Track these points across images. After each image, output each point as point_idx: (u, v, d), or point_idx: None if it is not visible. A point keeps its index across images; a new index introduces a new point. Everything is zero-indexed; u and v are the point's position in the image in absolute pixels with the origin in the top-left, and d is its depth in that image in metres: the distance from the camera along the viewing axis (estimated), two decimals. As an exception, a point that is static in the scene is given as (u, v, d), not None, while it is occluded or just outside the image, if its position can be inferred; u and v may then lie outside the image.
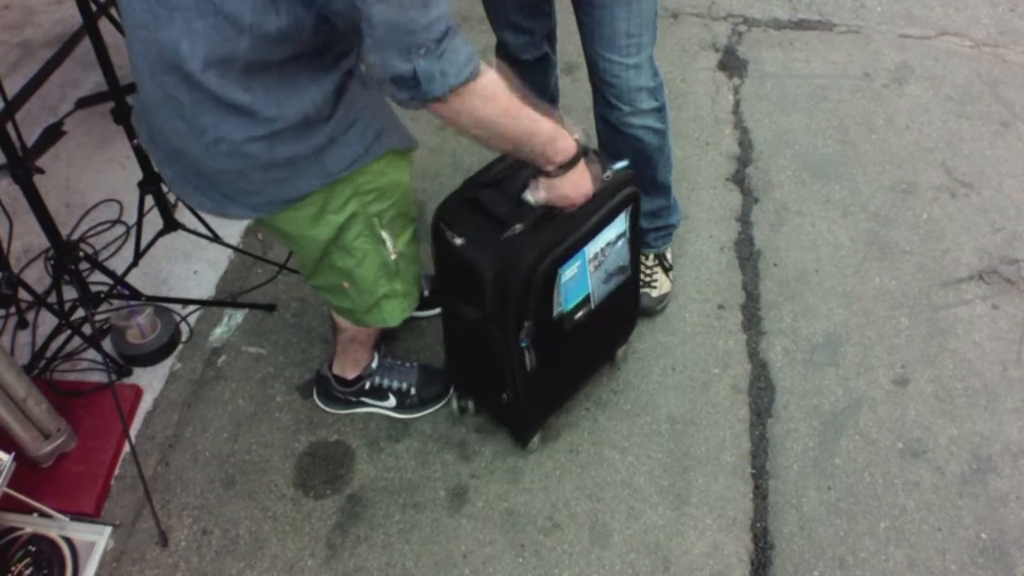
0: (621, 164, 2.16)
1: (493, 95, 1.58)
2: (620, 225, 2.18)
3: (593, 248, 2.12)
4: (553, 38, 2.71)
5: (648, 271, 2.84)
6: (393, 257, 2.01)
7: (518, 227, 2.00)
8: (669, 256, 2.92)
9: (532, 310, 2.08)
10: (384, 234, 1.95)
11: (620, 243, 2.22)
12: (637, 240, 2.34)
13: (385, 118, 1.85)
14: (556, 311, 2.15)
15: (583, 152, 1.89)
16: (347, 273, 1.99)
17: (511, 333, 2.11)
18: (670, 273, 2.90)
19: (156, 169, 1.98)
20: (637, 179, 2.20)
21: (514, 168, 2.07)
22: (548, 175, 1.88)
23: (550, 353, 2.23)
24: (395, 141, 1.87)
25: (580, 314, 2.23)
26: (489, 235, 2.02)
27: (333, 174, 1.77)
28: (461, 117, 1.58)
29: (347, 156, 1.76)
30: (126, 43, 1.68)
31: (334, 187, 1.79)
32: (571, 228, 2.04)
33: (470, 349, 2.40)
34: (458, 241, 2.06)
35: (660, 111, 2.51)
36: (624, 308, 2.53)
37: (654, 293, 2.83)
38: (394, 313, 2.15)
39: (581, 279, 2.16)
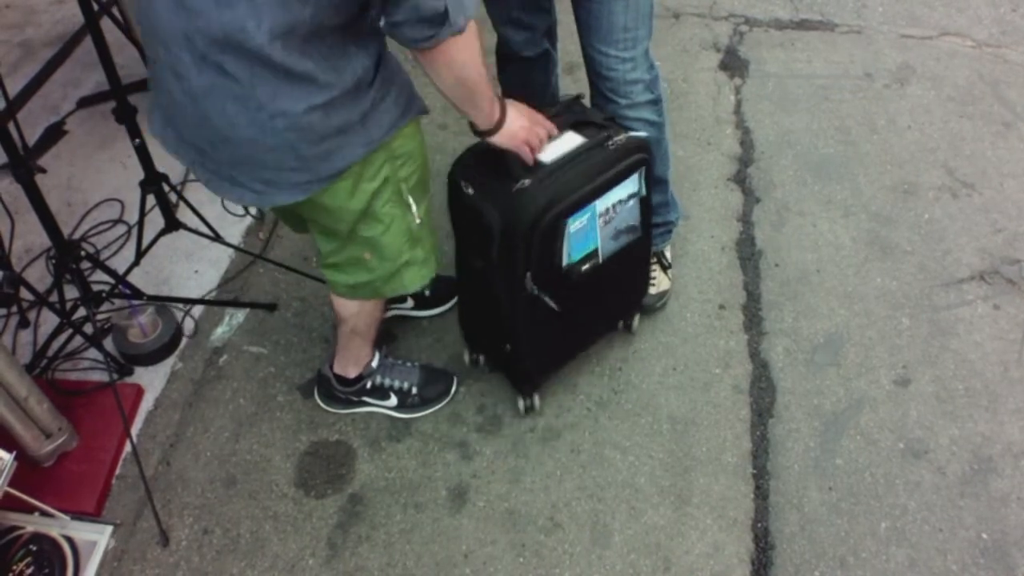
0: (639, 132, 2.29)
1: (475, 36, 1.72)
2: (632, 185, 2.27)
3: (604, 203, 2.23)
4: (554, 35, 2.71)
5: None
6: (417, 222, 2.08)
7: (527, 181, 2.10)
8: (668, 254, 2.92)
9: (536, 260, 2.18)
10: (410, 199, 2.03)
11: (632, 202, 2.31)
12: (649, 204, 2.42)
13: (409, 83, 1.95)
14: (565, 262, 2.24)
15: (504, 100, 2.04)
16: (372, 243, 2.04)
17: (516, 281, 2.21)
18: (669, 271, 2.90)
19: (186, 167, 2.02)
20: (649, 146, 2.30)
21: None
22: (489, 133, 2.02)
23: (558, 303, 2.31)
24: (420, 106, 1.98)
25: (587, 266, 2.29)
26: (499, 187, 2.13)
27: (376, 140, 1.85)
28: (456, 55, 1.71)
29: (387, 121, 1.85)
30: (146, 45, 1.75)
31: (370, 155, 1.86)
32: (580, 183, 2.16)
33: (478, 299, 2.52)
34: (470, 191, 2.19)
35: (656, 104, 2.52)
36: (633, 274, 2.62)
37: (652, 291, 2.83)
38: (414, 279, 2.19)
39: (590, 232, 2.25)
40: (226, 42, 1.60)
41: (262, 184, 1.85)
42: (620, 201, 2.27)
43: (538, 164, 2.14)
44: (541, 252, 2.17)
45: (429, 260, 2.20)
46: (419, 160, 2.02)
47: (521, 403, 2.59)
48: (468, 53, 1.72)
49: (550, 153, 2.17)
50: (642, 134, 2.29)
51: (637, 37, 2.35)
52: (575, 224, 2.18)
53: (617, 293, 2.59)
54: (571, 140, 2.22)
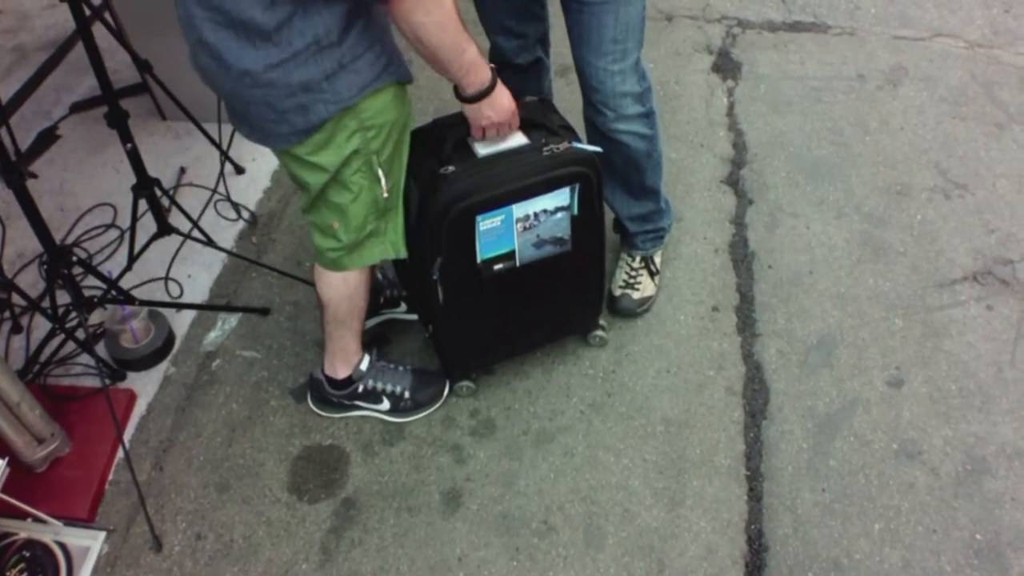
0: (590, 147, 2.27)
1: (439, 2, 1.76)
2: (562, 198, 2.26)
3: (523, 209, 2.22)
4: (546, 42, 2.71)
5: (633, 272, 2.85)
6: (385, 196, 2.11)
7: (451, 168, 2.14)
8: (658, 260, 2.92)
9: (447, 248, 2.21)
10: (380, 172, 2.05)
11: (559, 215, 2.29)
12: (595, 223, 2.39)
13: (393, 51, 1.96)
14: (479, 258, 2.27)
15: (496, 80, 2.04)
16: (340, 210, 2.09)
17: (427, 264, 2.24)
18: (656, 277, 2.90)
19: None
20: (596, 164, 2.27)
21: None
22: (469, 100, 2.04)
23: (469, 295, 2.36)
24: (402, 73, 1.99)
25: (501, 267, 2.31)
26: (427, 169, 2.17)
27: (345, 99, 1.88)
28: (410, 16, 1.75)
29: (357, 82, 1.87)
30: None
31: (341, 119, 1.91)
32: (500, 183, 2.17)
33: (410, 276, 2.54)
34: None
35: (647, 117, 2.51)
36: (573, 288, 2.56)
37: (635, 295, 2.83)
38: (374, 253, 2.22)
39: (505, 234, 2.25)
40: (201, 2, 1.74)
41: (257, 129, 1.97)
42: (545, 211, 2.26)
43: (470, 153, 2.18)
44: (452, 242, 2.20)
45: (394, 238, 2.23)
46: (395, 134, 2.06)
47: (448, 387, 2.65)
48: (424, 15, 1.76)
49: (485, 148, 2.20)
50: (591, 148, 2.27)
51: (627, 49, 2.34)
52: (485, 223, 2.19)
53: (553, 303, 2.57)
54: (513, 139, 2.22)
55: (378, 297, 2.75)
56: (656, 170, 2.67)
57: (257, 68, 1.78)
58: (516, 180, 2.18)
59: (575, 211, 2.30)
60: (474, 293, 2.35)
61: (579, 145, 2.24)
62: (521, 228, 2.26)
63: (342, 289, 2.30)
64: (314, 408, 2.64)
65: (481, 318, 2.46)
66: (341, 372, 2.52)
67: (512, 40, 2.60)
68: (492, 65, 2.02)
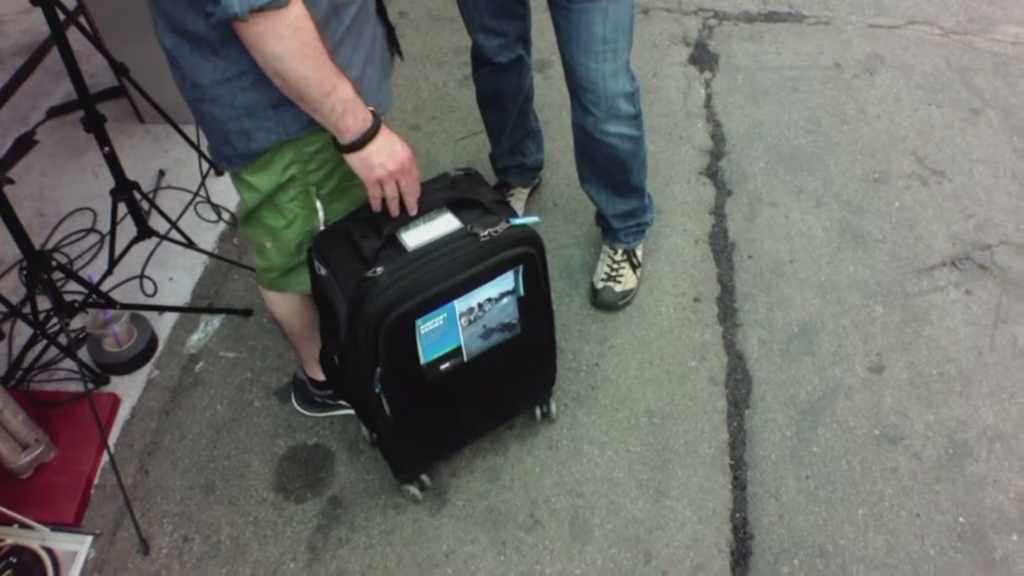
0: (528, 219, 2.06)
1: (297, 30, 1.54)
2: (506, 283, 2.06)
3: (466, 303, 2.01)
4: (527, 40, 2.71)
5: (615, 265, 2.86)
6: (322, 228, 2.00)
7: (379, 269, 1.89)
8: (639, 253, 2.93)
9: (384, 357, 1.96)
10: (318, 204, 1.95)
11: (505, 300, 2.09)
12: (542, 299, 2.22)
13: (357, 88, 1.74)
14: (422, 360, 2.04)
15: (379, 122, 1.78)
16: (273, 233, 1.98)
17: (365, 376, 2.00)
18: (638, 270, 2.91)
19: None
20: (538, 238, 2.08)
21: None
22: (353, 149, 1.76)
23: (417, 402, 2.15)
24: None
25: (447, 365, 2.09)
26: (351, 272, 1.92)
27: (290, 132, 1.77)
28: (263, 45, 1.54)
29: (306, 116, 1.73)
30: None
31: (280, 148, 1.80)
32: (437, 280, 1.93)
33: (348, 387, 2.24)
34: (323, 272, 1.99)
35: (636, 118, 2.52)
36: (529, 364, 2.38)
37: (617, 288, 2.85)
38: (306, 283, 2.12)
39: (448, 332, 2.03)
40: (159, 14, 1.65)
41: (211, 148, 1.88)
42: (490, 299, 2.05)
43: (398, 248, 1.94)
44: (391, 349, 1.96)
45: None
46: (343, 168, 1.88)
47: (405, 490, 2.44)
48: (277, 43, 1.53)
49: (415, 237, 1.95)
50: (529, 220, 2.05)
51: (617, 49, 2.33)
52: (426, 325, 1.96)
53: (506, 388, 2.39)
54: (444, 224, 1.99)
55: None
56: (642, 169, 2.69)
57: (206, 81, 1.69)
58: (455, 274, 1.94)
59: (521, 292, 2.10)
60: (422, 398, 2.14)
61: (517, 221, 2.02)
62: (466, 322, 2.04)
63: (287, 307, 2.26)
64: (298, 408, 2.64)
65: (431, 422, 2.26)
66: (319, 374, 2.51)
67: (493, 39, 2.60)
68: (371, 108, 1.77)
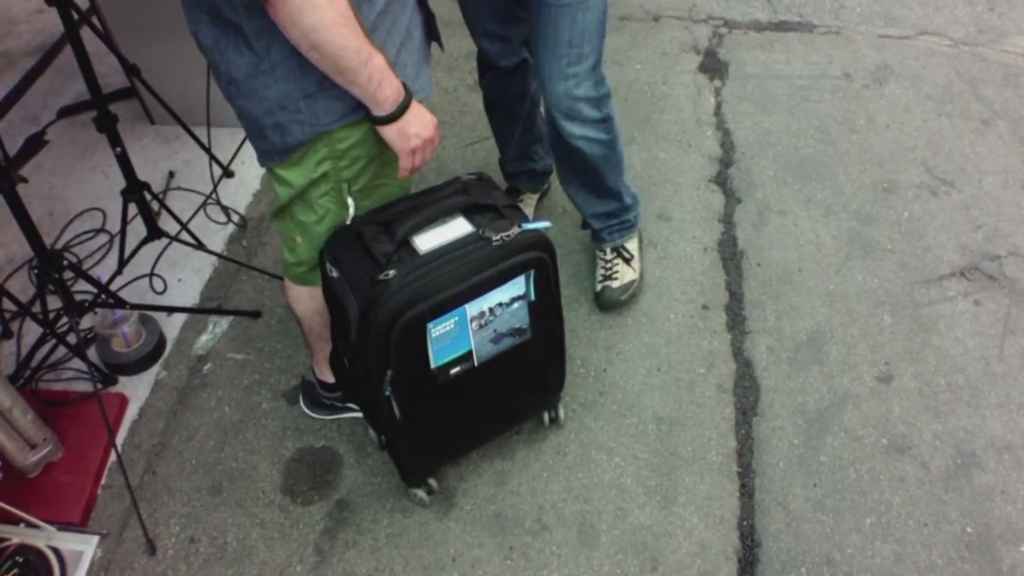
0: (540, 224, 2.06)
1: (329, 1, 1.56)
2: (518, 287, 2.06)
3: (477, 307, 2.01)
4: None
5: (608, 264, 2.87)
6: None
7: (391, 272, 1.88)
8: (631, 247, 2.92)
9: (396, 359, 1.96)
10: (349, 200, 1.96)
11: (517, 305, 2.09)
12: (553, 304, 2.22)
13: None
14: (432, 365, 2.04)
15: (411, 94, 1.79)
16: (304, 228, 2.01)
17: (375, 379, 2.01)
18: (632, 263, 2.91)
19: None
20: (549, 243, 2.08)
21: (411, 210, 2.00)
22: (390, 120, 1.77)
23: (427, 405, 2.15)
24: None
25: (457, 370, 2.09)
26: (363, 275, 1.92)
27: (323, 124, 1.78)
28: (299, 18, 1.55)
29: (339, 108, 1.76)
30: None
31: (314, 143, 1.81)
32: (449, 283, 1.93)
33: (358, 390, 2.27)
34: (334, 274, 1.99)
35: (604, 122, 2.51)
36: (539, 369, 2.39)
37: (615, 284, 2.85)
38: None
39: (459, 336, 2.03)
40: (199, 5, 1.68)
41: (253, 144, 1.91)
42: (501, 304, 2.05)
43: (411, 251, 1.94)
44: (402, 352, 1.96)
45: None
46: (374, 167, 1.93)
47: (412, 494, 2.44)
48: (315, 16, 1.54)
49: (428, 241, 1.95)
50: (540, 225, 2.05)
51: (582, 54, 2.33)
52: (437, 329, 1.96)
53: (516, 392, 2.38)
54: (457, 227, 2.00)
55: None
56: (616, 172, 2.69)
57: (240, 76, 1.72)
58: (467, 278, 1.94)
59: (532, 297, 2.11)
60: (431, 402, 2.14)
61: (529, 226, 2.03)
62: (476, 326, 2.04)
63: (311, 304, 2.26)
64: (306, 410, 2.64)
65: (440, 425, 2.26)
66: (329, 376, 2.52)
67: (497, 43, 2.60)
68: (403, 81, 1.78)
